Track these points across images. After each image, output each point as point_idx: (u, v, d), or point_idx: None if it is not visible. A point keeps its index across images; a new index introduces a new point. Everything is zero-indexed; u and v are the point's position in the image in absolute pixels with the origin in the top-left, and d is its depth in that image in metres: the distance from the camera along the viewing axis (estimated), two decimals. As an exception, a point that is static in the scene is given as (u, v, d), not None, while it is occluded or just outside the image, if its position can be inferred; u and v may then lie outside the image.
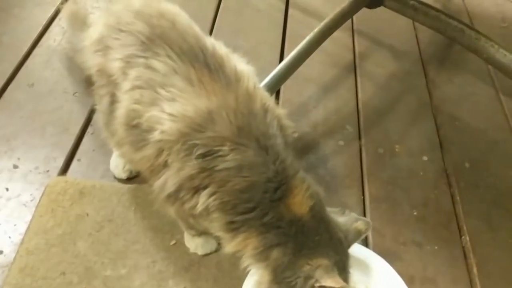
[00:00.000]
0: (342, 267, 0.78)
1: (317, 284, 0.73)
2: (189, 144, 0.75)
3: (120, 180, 1.09)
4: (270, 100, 0.84)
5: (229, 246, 0.79)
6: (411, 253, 1.04)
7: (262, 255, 0.76)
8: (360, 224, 0.84)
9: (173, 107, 0.78)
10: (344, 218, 0.84)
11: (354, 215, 0.88)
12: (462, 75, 1.54)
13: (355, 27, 1.65)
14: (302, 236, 0.76)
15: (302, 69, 1.29)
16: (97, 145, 1.15)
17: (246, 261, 0.79)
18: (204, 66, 0.80)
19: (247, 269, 0.82)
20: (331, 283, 0.72)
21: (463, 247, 1.07)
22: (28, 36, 1.42)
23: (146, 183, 1.00)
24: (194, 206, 0.77)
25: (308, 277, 0.74)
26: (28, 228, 0.98)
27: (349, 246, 0.82)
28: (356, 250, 0.85)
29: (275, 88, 1.27)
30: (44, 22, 1.47)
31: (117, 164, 1.08)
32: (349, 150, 1.25)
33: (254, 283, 0.83)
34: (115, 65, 0.86)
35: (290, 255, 0.75)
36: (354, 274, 0.84)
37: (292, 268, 0.75)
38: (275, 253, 0.75)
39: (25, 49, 1.38)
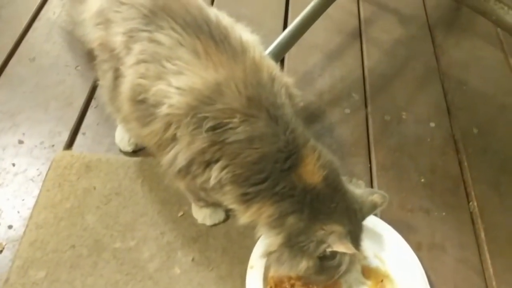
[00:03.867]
0: (354, 238, 0.78)
1: (328, 249, 0.74)
2: (198, 117, 0.74)
3: (126, 153, 1.08)
4: (276, 68, 0.83)
5: (244, 217, 0.79)
6: (418, 220, 1.04)
7: (277, 222, 0.76)
8: (376, 197, 0.83)
9: (181, 80, 0.76)
10: (360, 190, 0.84)
11: (370, 189, 0.88)
12: (470, 39, 1.51)
13: (360, -8, 1.61)
14: (318, 203, 0.76)
15: (306, 36, 1.27)
16: (101, 119, 1.15)
17: (260, 229, 0.80)
18: (209, 38, 0.79)
19: (258, 236, 0.82)
20: (343, 248, 0.73)
21: (470, 213, 1.07)
22: (27, 9, 1.40)
23: (152, 156, 1.01)
24: (207, 180, 0.77)
25: (320, 242, 0.75)
26: (36, 202, 0.98)
27: (363, 219, 0.82)
28: (364, 218, 0.85)
29: (279, 57, 1.25)
30: (42, -6, 1.44)
31: (122, 137, 1.08)
32: (356, 118, 1.23)
33: (264, 247, 0.83)
34: (117, 39, 0.85)
35: (306, 221, 0.75)
36: (363, 242, 0.84)
37: (306, 232, 0.75)
38: (291, 219, 0.76)
39: (24, 22, 1.36)
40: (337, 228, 0.75)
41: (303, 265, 0.76)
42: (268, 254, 0.80)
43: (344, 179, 1.05)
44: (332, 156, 0.81)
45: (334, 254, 0.75)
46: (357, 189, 0.84)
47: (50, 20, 1.38)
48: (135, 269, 0.90)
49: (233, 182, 0.76)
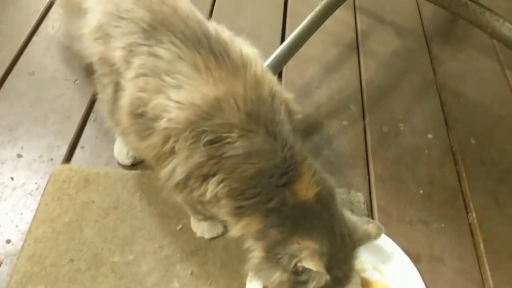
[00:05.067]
0: (335, 261, 0.75)
1: (299, 264, 0.73)
2: (197, 131, 0.74)
3: (124, 167, 1.08)
4: (276, 84, 0.83)
5: (235, 230, 0.79)
6: (417, 232, 1.04)
7: (261, 234, 0.76)
8: (371, 227, 0.81)
9: (180, 95, 0.77)
10: (356, 218, 0.82)
11: (366, 218, 0.86)
12: (467, 50, 1.52)
13: (357, 4, 1.62)
14: (302, 218, 0.75)
15: (304, 49, 1.28)
16: (100, 133, 1.15)
17: (248, 242, 0.79)
18: (209, 52, 0.79)
19: (249, 250, 0.81)
20: (311, 265, 0.71)
21: (469, 224, 1.07)
22: (27, 24, 1.40)
23: (151, 169, 1.01)
24: (203, 194, 0.77)
25: (293, 256, 0.73)
26: (35, 216, 0.98)
27: (354, 247, 0.79)
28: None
29: (277, 70, 1.25)
30: (42, 9, 1.45)
31: (121, 151, 1.08)
32: (353, 130, 1.24)
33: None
34: (117, 54, 0.85)
35: (285, 234, 0.75)
36: (362, 254, 0.84)
37: (283, 244, 0.75)
38: (272, 231, 0.75)
39: (23, 37, 1.37)
40: (312, 245, 0.74)
41: (277, 276, 0.75)
42: (251, 264, 0.79)
43: (342, 191, 1.06)
44: (328, 176, 0.81)
45: (304, 270, 0.73)
46: (353, 216, 0.82)
47: (49, 34, 1.38)
48: (133, 283, 0.90)
49: (228, 196, 0.76)
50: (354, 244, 0.79)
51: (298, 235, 0.74)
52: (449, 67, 1.45)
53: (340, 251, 0.77)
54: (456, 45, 1.54)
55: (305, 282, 0.73)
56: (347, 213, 0.81)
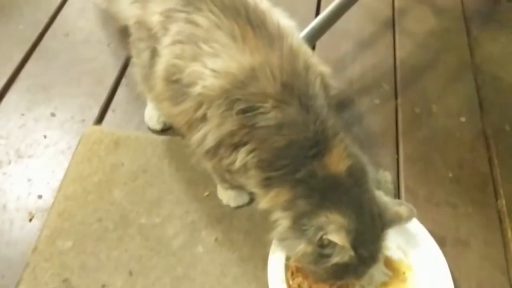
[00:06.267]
0: (363, 242, 0.74)
1: (325, 236, 0.72)
2: (230, 99, 0.75)
3: (154, 132, 1.09)
4: (312, 56, 0.82)
5: (263, 202, 0.79)
6: (444, 214, 1.03)
7: (288, 204, 0.76)
8: (402, 209, 0.79)
9: (216, 63, 0.76)
10: (388, 199, 0.81)
11: (398, 200, 0.84)
12: (507, 34, 1.47)
13: (395, -19, 1.58)
14: (331, 191, 0.75)
15: (338, 24, 1.25)
16: (132, 97, 1.16)
17: (275, 213, 0.79)
18: (246, 22, 0.79)
19: (272, 220, 0.81)
20: (336, 239, 0.71)
21: (498, 211, 1.05)
22: (63, -15, 1.41)
23: (180, 136, 1.01)
24: (233, 163, 0.77)
25: (320, 228, 0.73)
26: (65, 175, 1.00)
27: (383, 228, 0.78)
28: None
29: (310, 44, 1.23)
30: (78, -30, 1.45)
31: (152, 116, 1.09)
32: (385, 109, 1.22)
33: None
34: (154, 19, 0.85)
35: (313, 205, 0.74)
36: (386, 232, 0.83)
37: (310, 217, 0.74)
38: (300, 202, 0.75)
39: (59, -2, 1.38)
40: (340, 219, 0.73)
41: (301, 248, 0.75)
42: (276, 232, 0.79)
43: (370, 169, 1.05)
44: (361, 153, 0.80)
45: (329, 243, 0.72)
46: (385, 197, 0.81)
47: (85, -4, 1.39)
48: (159, 245, 0.92)
49: (257, 167, 0.76)
50: (383, 225, 0.78)
51: (326, 208, 0.74)
52: (487, 50, 1.41)
53: (368, 230, 0.76)
54: (497, 28, 1.48)
55: (329, 256, 0.73)
56: (379, 193, 0.80)
